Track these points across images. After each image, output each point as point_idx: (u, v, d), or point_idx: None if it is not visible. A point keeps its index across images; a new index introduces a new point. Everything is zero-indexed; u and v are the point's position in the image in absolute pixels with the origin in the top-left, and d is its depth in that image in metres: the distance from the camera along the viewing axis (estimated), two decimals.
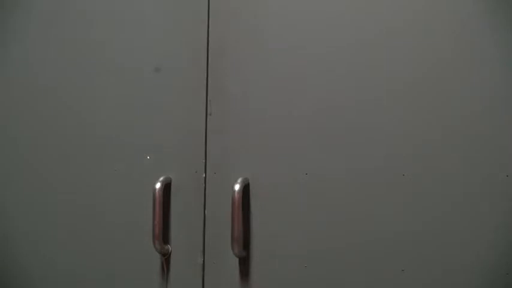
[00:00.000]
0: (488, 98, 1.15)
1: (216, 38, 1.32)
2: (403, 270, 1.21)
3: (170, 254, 1.35)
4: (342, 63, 1.25)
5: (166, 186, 1.34)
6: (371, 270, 1.24)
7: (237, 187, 1.26)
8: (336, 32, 1.25)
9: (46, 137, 1.43)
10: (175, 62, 1.34)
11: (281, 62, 1.28)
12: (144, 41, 1.36)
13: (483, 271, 1.18)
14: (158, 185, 1.31)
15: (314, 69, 1.26)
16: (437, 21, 1.18)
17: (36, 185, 1.43)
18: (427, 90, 1.19)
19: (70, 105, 1.41)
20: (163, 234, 1.33)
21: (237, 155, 1.31)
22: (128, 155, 1.38)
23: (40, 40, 1.42)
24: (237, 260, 1.31)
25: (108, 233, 1.39)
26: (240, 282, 1.32)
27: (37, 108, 1.43)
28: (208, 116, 1.33)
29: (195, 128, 1.33)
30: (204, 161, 1.33)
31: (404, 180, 1.21)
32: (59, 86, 1.41)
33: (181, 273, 1.35)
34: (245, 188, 1.29)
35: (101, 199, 1.39)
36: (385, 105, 1.22)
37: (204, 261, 1.34)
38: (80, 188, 1.40)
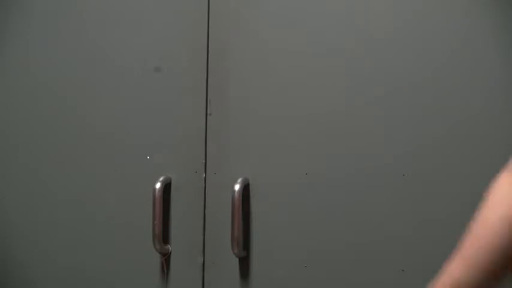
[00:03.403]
0: (488, 98, 1.15)
1: (216, 38, 1.32)
2: (403, 270, 1.21)
3: (170, 254, 1.35)
4: (341, 63, 1.25)
5: (166, 186, 1.34)
6: (371, 270, 1.24)
7: (237, 187, 1.26)
8: (336, 32, 1.25)
9: (46, 137, 1.43)
10: (175, 62, 1.34)
11: (281, 62, 1.28)
12: (144, 41, 1.36)
13: None
14: (158, 185, 1.31)
15: (314, 69, 1.27)
16: (437, 21, 1.18)
17: (36, 185, 1.43)
18: (427, 90, 1.19)
19: (70, 105, 1.41)
20: (163, 234, 1.33)
21: (237, 155, 1.31)
22: (128, 155, 1.38)
23: (40, 40, 1.42)
24: (237, 260, 1.31)
25: (108, 233, 1.39)
26: (240, 282, 1.32)
27: (37, 108, 1.43)
28: (208, 116, 1.33)
29: (195, 128, 1.33)
30: (204, 161, 1.33)
31: (404, 180, 1.21)
32: (59, 86, 1.41)
33: (181, 273, 1.35)
34: (245, 188, 1.29)
35: (101, 199, 1.39)
36: (384, 105, 1.22)
37: (204, 261, 1.34)
38: (80, 188, 1.40)
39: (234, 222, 1.26)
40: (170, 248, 1.35)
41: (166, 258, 1.35)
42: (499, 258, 0.89)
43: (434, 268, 1.20)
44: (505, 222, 0.88)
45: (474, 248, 0.92)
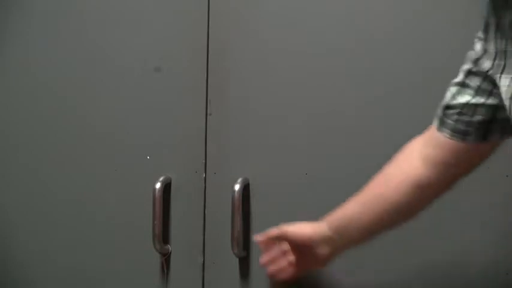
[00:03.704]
0: None
1: (216, 38, 1.32)
2: (403, 270, 1.21)
3: (170, 254, 1.35)
4: (342, 63, 1.25)
5: (166, 186, 1.34)
6: (371, 271, 1.24)
7: (237, 187, 1.26)
8: (336, 32, 1.25)
9: (46, 137, 1.42)
10: (175, 62, 1.34)
11: (281, 62, 1.28)
12: (144, 41, 1.36)
13: (483, 271, 1.18)
14: (158, 185, 1.31)
15: (314, 69, 1.27)
16: (437, 21, 1.18)
17: (36, 185, 1.43)
18: (427, 90, 1.19)
19: (70, 105, 1.41)
20: (163, 234, 1.33)
21: (237, 155, 1.31)
22: (128, 155, 1.37)
23: (40, 40, 1.42)
24: (237, 260, 1.31)
25: (108, 233, 1.39)
26: (240, 282, 1.32)
27: (37, 108, 1.43)
28: (208, 116, 1.33)
29: (195, 128, 1.33)
30: (204, 161, 1.33)
31: None
32: (59, 86, 1.41)
33: (181, 273, 1.35)
34: (245, 188, 1.29)
35: (101, 199, 1.39)
36: (385, 105, 1.22)
37: (204, 261, 1.33)
38: (80, 188, 1.40)
39: (234, 222, 1.26)
40: (170, 248, 1.35)
41: (166, 258, 1.35)
42: (388, 206, 1.03)
43: (434, 268, 1.20)
44: (402, 179, 1.01)
45: (371, 195, 1.05)
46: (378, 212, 1.05)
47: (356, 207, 1.08)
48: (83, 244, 1.40)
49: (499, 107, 0.90)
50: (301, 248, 1.14)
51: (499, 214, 1.17)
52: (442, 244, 1.20)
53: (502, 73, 0.83)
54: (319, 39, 1.26)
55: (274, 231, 1.17)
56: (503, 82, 0.83)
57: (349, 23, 1.24)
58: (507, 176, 1.15)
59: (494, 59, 0.85)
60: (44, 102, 1.42)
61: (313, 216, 1.25)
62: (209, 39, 1.32)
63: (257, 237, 1.20)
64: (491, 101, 0.91)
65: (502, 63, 0.83)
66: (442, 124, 0.97)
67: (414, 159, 1.02)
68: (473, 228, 1.18)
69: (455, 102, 0.94)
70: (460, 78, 0.95)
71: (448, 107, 0.96)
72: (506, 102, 0.82)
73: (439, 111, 0.98)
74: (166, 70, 1.35)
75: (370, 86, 1.23)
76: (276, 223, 1.29)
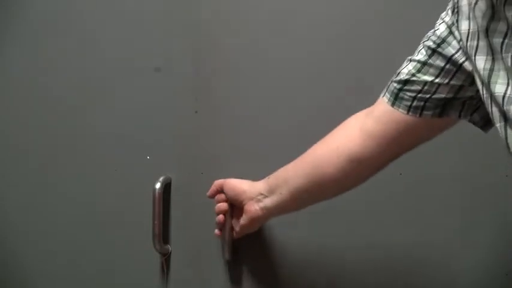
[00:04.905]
0: None
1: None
2: (402, 270, 1.21)
3: (170, 254, 1.35)
4: (335, 63, 1.25)
5: (166, 186, 1.34)
6: (370, 271, 1.24)
7: None
8: (329, 32, 1.25)
9: (46, 137, 1.42)
10: (175, 62, 1.34)
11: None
12: (144, 41, 1.36)
13: (483, 271, 1.18)
14: (158, 185, 1.31)
15: (313, 68, 1.27)
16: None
17: (36, 185, 1.43)
18: None
19: (70, 105, 1.41)
20: (163, 234, 1.33)
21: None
22: (128, 155, 1.37)
23: (40, 40, 1.42)
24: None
25: (108, 232, 1.39)
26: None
27: (37, 108, 1.43)
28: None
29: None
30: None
31: (401, 179, 1.21)
32: (59, 86, 1.41)
33: (181, 273, 1.35)
34: None
35: (101, 199, 1.39)
36: None
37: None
38: (80, 187, 1.40)
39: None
40: (170, 248, 1.35)
41: (166, 258, 1.35)
42: (319, 175, 1.03)
43: (434, 268, 1.20)
44: (336, 152, 1.01)
45: (307, 160, 1.07)
46: (308, 178, 1.05)
47: (290, 169, 1.09)
48: (83, 244, 1.40)
49: (462, 87, 0.88)
50: (234, 201, 1.18)
51: (499, 214, 1.17)
52: (442, 244, 1.20)
53: (475, 54, 0.79)
54: (313, 38, 1.26)
55: (219, 181, 1.21)
56: (479, 64, 0.79)
57: (344, 23, 1.24)
58: (507, 176, 1.15)
59: (466, 40, 0.81)
60: (44, 102, 1.42)
61: (312, 215, 1.26)
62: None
63: (208, 193, 1.25)
64: (454, 82, 0.88)
65: (475, 43, 0.79)
66: (397, 99, 0.94)
67: (354, 132, 1.00)
68: (473, 228, 1.18)
69: (415, 79, 0.91)
70: (421, 56, 0.92)
71: (406, 82, 0.93)
72: (479, 85, 0.79)
73: (393, 86, 0.95)
74: (166, 70, 1.35)
75: (369, 85, 1.22)
76: (275, 223, 1.29)
